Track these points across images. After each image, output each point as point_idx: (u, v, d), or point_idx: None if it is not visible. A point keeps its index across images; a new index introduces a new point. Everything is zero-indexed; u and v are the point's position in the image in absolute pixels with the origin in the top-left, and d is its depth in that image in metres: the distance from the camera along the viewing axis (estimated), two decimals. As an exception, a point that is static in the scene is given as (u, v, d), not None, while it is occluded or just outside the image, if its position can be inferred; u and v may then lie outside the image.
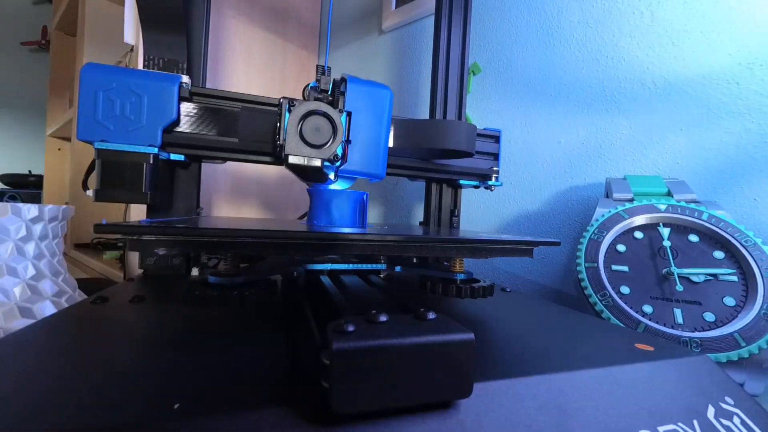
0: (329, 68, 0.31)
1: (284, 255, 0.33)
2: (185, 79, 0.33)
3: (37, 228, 0.37)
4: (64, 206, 0.40)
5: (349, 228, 0.28)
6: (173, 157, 0.34)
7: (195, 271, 0.38)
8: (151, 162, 0.31)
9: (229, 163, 0.73)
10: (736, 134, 0.40)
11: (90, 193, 0.31)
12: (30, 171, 1.41)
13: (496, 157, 0.46)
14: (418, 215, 0.69)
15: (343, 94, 0.30)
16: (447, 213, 0.50)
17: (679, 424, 0.17)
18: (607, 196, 0.44)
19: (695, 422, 0.18)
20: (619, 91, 0.48)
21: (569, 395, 0.17)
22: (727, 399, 0.20)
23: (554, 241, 0.25)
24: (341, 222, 0.31)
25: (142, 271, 0.37)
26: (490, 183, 0.46)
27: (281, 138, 0.29)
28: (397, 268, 0.35)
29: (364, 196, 0.31)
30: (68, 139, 1.14)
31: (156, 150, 0.31)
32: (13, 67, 1.74)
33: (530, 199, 0.55)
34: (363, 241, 0.22)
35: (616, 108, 0.48)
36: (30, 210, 0.36)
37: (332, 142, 0.27)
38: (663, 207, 0.38)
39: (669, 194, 0.40)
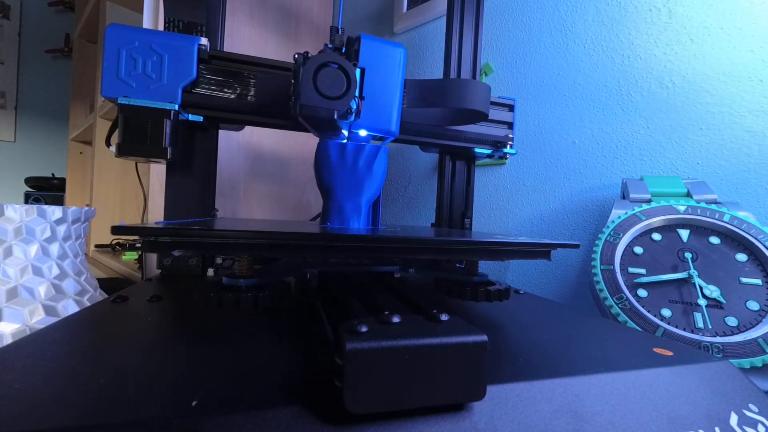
0: (343, 29, 0.31)
1: (298, 258, 0.33)
2: (204, 41, 0.34)
3: (61, 229, 0.38)
4: (87, 208, 0.42)
5: (362, 229, 0.28)
6: (192, 117, 0.35)
7: (211, 272, 0.39)
8: (172, 118, 0.32)
9: (241, 160, 0.74)
10: (760, 133, 0.39)
11: (113, 148, 0.32)
12: (53, 174, 1.46)
13: (510, 126, 0.46)
14: (429, 217, 0.69)
15: (357, 51, 0.31)
16: (459, 208, 0.49)
17: (700, 431, 0.17)
18: (624, 197, 0.43)
19: (717, 429, 0.17)
20: (635, 90, 0.47)
21: (585, 400, 0.17)
22: (751, 406, 0.19)
23: (573, 244, 0.24)
24: (352, 220, 0.31)
25: (159, 271, 0.38)
26: (505, 151, 0.46)
27: (296, 90, 0.28)
28: (410, 270, 0.35)
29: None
30: (90, 143, 1.18)
31: (176, 107, 0.32)
32: (37, 74, 1.81)
33: (544, 201, 0.55)
34: (376, 243, 0.21)
35: (632, 107, 0.47)
36: (54, 212, 0.37)
37: (347, 95, 0.27)
38: (682, 208, 0.37)
39: (688, 195, 0.39)
